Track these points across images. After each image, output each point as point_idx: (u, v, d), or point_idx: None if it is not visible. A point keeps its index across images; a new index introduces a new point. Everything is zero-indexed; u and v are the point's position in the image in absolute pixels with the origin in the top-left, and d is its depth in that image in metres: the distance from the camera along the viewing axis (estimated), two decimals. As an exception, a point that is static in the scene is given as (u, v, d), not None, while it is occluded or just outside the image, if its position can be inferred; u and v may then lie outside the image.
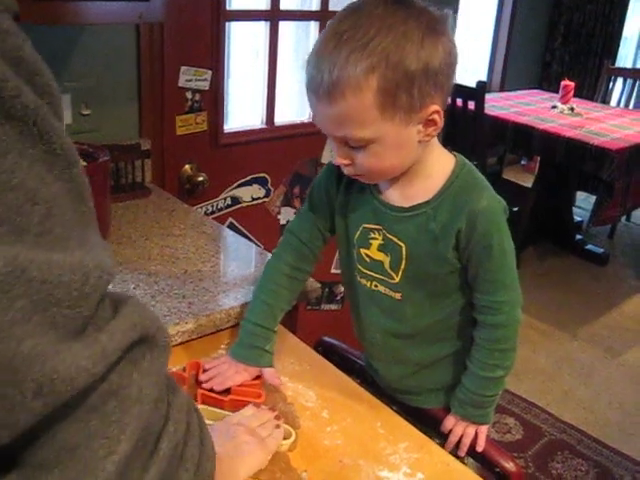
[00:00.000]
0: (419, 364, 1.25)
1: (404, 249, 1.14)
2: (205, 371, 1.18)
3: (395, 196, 1.15)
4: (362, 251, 1.20)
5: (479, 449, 1.21)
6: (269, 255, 1.61)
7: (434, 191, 1.12)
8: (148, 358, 0.59)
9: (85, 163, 1.50)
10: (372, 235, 1.17)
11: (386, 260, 1.17)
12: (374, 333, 1.26)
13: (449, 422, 1.23)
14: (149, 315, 0.60)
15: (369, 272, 1.20)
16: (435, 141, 1.11)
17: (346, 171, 1.10)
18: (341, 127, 1.02)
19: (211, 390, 1.14)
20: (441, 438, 1.22)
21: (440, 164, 1.13)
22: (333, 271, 2.48)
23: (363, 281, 1.22)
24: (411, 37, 0.96)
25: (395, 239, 1.15)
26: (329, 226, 1.27)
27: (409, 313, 1.20)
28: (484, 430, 1.22)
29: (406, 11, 0.98)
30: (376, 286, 1.20)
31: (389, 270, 1.17)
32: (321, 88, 0.98)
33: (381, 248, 1.17)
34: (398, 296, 1.18)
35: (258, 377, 1.20)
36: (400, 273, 1.16)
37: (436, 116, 1.03)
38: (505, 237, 1.12)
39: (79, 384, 0.50)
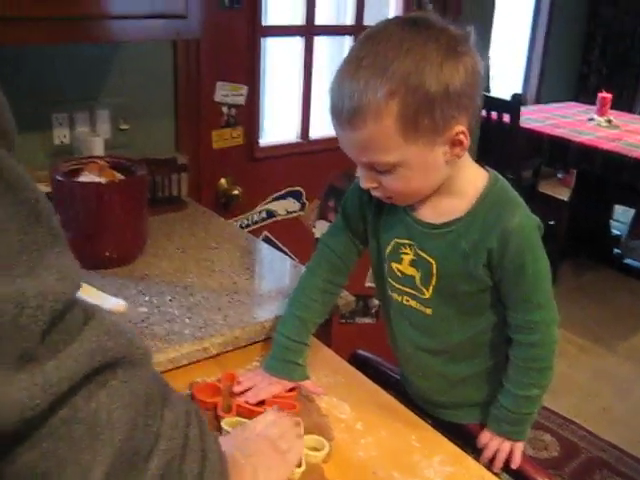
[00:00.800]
0: (451, 380, 1.24)
1: (434, 266, 1.13)
2: (239, 383, 1.19)
3: (427, 212, 1.14)
4: (394, 265, 1.19)
5: (514, 466, 1.19)
6: (303, 268, 1.63)
7: (466, 208, 1.11)
8: (120, 378, 0.57)
9: (123, 177, 1.53)
10: (404, 250, 1.17)
11: (417, 275, 1.16)
12: (405, 347, 1.26)
13: (484, 437, 1.22)
14: (117, 334, 0.58)
15: (400, 286, 1.20)
16: (467, 157, 1.10)
17: (375, 193, 1.11)
18: (365, 153, 1.02)
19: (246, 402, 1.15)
20: (476, 453, 1.20)
21: (472, 181, 1.12)
22: (368, 284, 2.48)
23: (395, 295, 1.22)
24: (430, 59, 0.95)
25: (425, 255, 1.14)
26: (363, 238, 1.27)
27: (439, 329, 1.19)
28: (520, 446, 1.20)
29: (425, 33, 0.97)
30: (407, 300, 1.20)
31: (420, 285, 1.16)
32: (343, 115, 0.99)
33: (412, 263, 1.16)
34: (428, 311, 1.18)
35: (293, 389, 1.21)
36: (431, 289, 1.15)
37: (462, 137, 1.02)
38: (539, 256, 1.10)
39: (13, 418, 0.49)
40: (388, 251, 1.20)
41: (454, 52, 0.98)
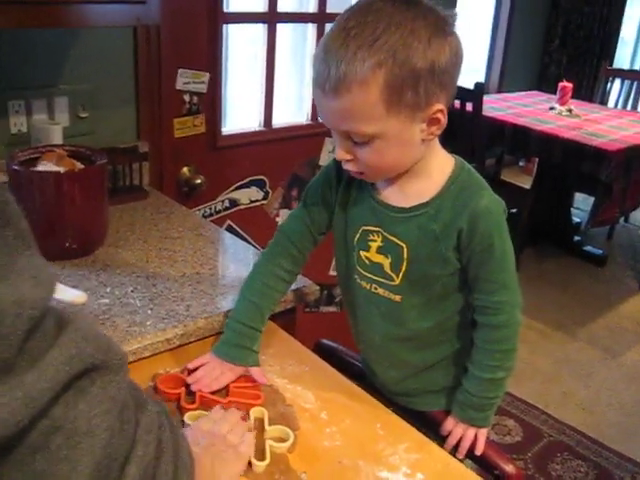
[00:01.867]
0: (418, 367, 1.25)
1: (405, 250, 1.14)
2: (190, 372, 1.18)
3: (395, 196, 1.15)
4: (362, 254, 1.19)
5: (478, 452, 1.20)
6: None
7: (434, 191, 1.12)
8: (99, 384, 0.56)
9: (82, 166, 1.50)
10: (371, 237, 1.17)
11: (386, 262, 1.16)
12: (373, 336, 1.26)
13: (449, 424, 1.23)
14: (94, 339, 0.57)
15: (369, 275, 1.20)
16: (436, 142, 1.12)
17: (347, 167, 1.10)
18: (346, 121, 1.02)
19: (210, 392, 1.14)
20: (440, 440, 1.21)
21: (440, 164, 1.14)
22: (331, 273, 2.47)
23: (363, 283, 1.22)
24: (418, 36, 0.96)
25: (396, 240, 1.14)
26: (321, 228, 1.27)
27: (408, 316, 1.19)
28: (484, 433, 1.21)
29: (414, 10, 0.98)
30: (376, 289, 1.20)
31: (390, 272, 1.17)
32: (328, 82, 0.99)
33: (380, 250, 1.17)
34: (398, 298, 1.18)
35: (245, 377, 1.20)
36: (401, 275, 1.16)
37: (440, 115, 1.03)
38: (505, 237, 1.12)
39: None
40: (356, 240, 1.20)
41: (442, 31, 1.00)
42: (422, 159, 1.11)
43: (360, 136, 1.03)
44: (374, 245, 1.17)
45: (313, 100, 2.51)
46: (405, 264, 1.15)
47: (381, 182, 1.16)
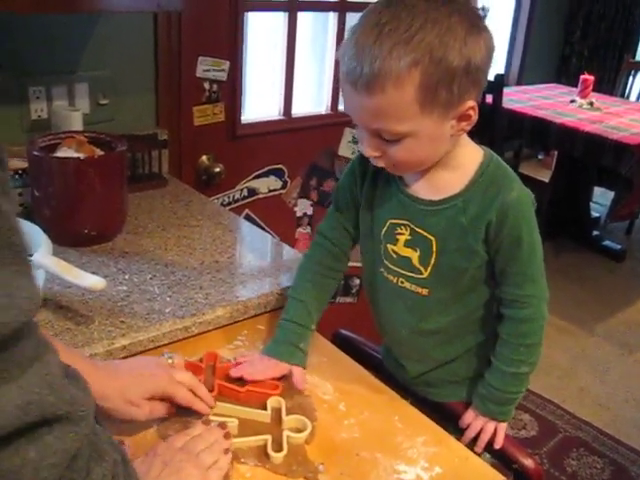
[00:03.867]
0: (442, 360, 1.24)
1: (434, 243, 1.12)
2: (237, 364, 1.17)
3: (423, 189, 1.13)
4: (389, 247, 1.18)
5: (497, 446, 1.19)
6: (285, 246, 1.62)
7: (464, 183, 1.10)
8: (56, 434, 0.52)
9: (102, 152, 1.50)
10: (399, 230, 1.16)
11: (414, 255, 1.15)
12: (398, 329, 1.24)
13: (468, 417, 1.22)
14: (60, 388, 0.53)
15: (396, 268, 1.18)
16: (464, 133, 1.10)
17: (376, 163, 1.09)
18: (377, 120, 1.00)
19: (231, 381, 1.13)
20: (458, 433, 1.20)
21: (469, 156, 1.12)
22: (349, 264, 2.47)
23: (390, 277, 1.20)
24: (455, 33, 0.95)
25: (424, 233, 1.13)
26: (355, 224, 1.27)
27: (434, 309, 1.18)
28: (503, 427, 1.20)
29: (450, 5, 0.96)
30: (402, 282, 1.18)
31: (418, 265, 1.15)
32: (360, 80, 0.96)
33: (408, 243, 1.15)
34: (425, 292, 1.16)
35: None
36: (429, 268, 1.14)
37: (471, 112, 1.02)
38: (534, 230, 1.11)
39: None
40: (383, 233, 1.18)
41: (476, 27, 0.98)
42: (451, 152, 1.09)
43: (392, 135, 1.01)
44: (402, 238, 1.16)
45: (333, 90, 2.51)
46: (434, 257, 1.13)
47: (409, 175, 1.15)
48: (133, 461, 0.81)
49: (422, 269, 1.15)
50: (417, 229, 1.14)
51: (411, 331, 1.22)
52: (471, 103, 1.01)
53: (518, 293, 1.13)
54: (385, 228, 1.18)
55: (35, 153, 1.43)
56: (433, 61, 0.94)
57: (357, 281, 2.64)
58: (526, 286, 1.13)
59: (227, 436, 1.00)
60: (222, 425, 1.02)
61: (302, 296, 1.25)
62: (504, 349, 1.17)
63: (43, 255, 1.15)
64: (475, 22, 0.98)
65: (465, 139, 1.12)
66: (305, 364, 1.20)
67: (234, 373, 1.14)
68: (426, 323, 1.20)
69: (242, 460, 0.99)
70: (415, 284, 1.17)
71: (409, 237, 1.15)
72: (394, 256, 1.18)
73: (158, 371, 1.02)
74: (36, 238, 1.21)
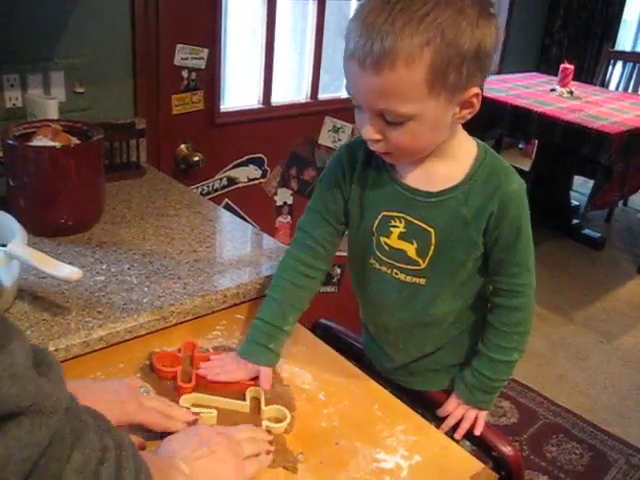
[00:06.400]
0: (430, 349, 1.24)
1: (433, 235, 1.10)
2: (208, 360, 1.15)
3: (419, 180, 1.11)
4: (382, 239, 1.15)
5: (477, 433, 1.20)
6: (265, 236, 1.61)
7: (462, 175, 1.09)
8: (26, 428, 0.51)
9: (78, 141, 1.48)
10: (393, 223, 1.13)
11: (410, 248, 1.12)
12: (388, 320, 1.23)
13: (451, 405, 1.21)
14: (24, 379, 0.51)
15: (390, 260, 1.16)
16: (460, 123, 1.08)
17: (374, 147, 1.06)
18: (383, 100, 0.97)
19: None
20: (436, 421, 1.20)
21: (464, 147, 1.11)
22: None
23: (383, 268, 1.17)
24: (467, 15, 0.93)
25: (423, 224, 1.11)
26: (340, 217, 1.22)
27: (429, 301, 1.16)
28: (484, 415, 1.21)
29: None
30: (396, 274, 1.16)
31: (415, 257, 1.13)
32: (369, 57, 0.93)
33: (403, 236, 1.13)
34: (422, 281, 1.14)
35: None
36: (427, 259, 1.12)
37: (475, 99, 1.01)
38: (529, 220, 1.11)
39: None
40: (375, 225, 1.15)
41: (487, 12, 0.96)
42: (447, 141, 1.07)
43: (396, 116, 0.98)
44: (396, 231, 1.13)
45: (313, 78, 2.49)
46: (433, 249, 1.11)
47: (402, 165, 1.12)
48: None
49: (420, 260, 1.13)
50: (414, 221, 1.11)
51: (402, 321, 1.21)
52: (476, 90, 0.99)
53: (514, 282, 1.13)
54: (378, 220, 1.15)
55: (10, 142, 1.41)
56: (445, 41, 0.92)
57: (338, 270, 2.64)
58: (522, 275, 1.13)
59: (271, 443, 0.99)
60: (268, 430, 1.01)
61: (277, 295, 1.21)
62: (496, 338, 1.17)
63: (18, 245, 1.14)
64: (486, 6, 0.96)
65: (459, 129, 1.10)
66: (274, 364, 1.17)
67: (201, 371, 1.11)
68: (419, 314, 1.18)
69: (221, 450, 0.98)
70: (411, 275, 1.14)
71: (404, 230, 1.12)
72: (387, 248, 1.15)
73: (126, 397, 0.96)
74: (11, 228, 1.19)
